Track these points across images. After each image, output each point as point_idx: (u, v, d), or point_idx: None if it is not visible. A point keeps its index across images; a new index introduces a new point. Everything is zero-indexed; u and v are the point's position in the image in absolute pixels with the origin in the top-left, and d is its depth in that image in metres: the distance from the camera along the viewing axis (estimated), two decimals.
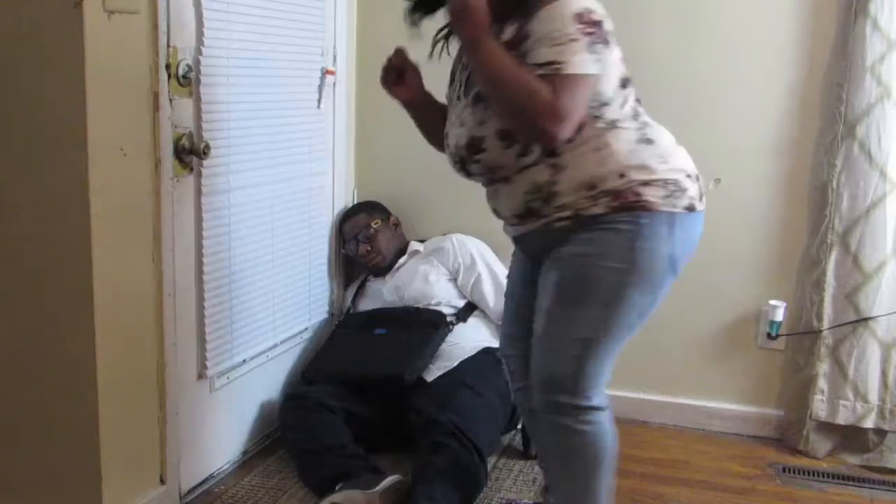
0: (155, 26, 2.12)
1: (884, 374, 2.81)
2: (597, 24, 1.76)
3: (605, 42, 1.78)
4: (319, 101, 2.96)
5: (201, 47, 2.31)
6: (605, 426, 1.95)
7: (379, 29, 3.18)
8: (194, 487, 2.50)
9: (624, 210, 1.83)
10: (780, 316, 2.91)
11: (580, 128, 1.81)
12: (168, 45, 2.18)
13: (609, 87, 1.83)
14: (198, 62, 2.30)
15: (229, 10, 2.42)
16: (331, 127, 3.07)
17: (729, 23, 2.88)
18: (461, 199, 3.20)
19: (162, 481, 2.34)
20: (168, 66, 2.19)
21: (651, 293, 1.88)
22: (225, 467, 2.65)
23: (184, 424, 2.39)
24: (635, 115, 1.89)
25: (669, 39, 2.92)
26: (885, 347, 2.79)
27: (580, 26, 1.73)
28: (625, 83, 1.87)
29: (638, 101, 1.92)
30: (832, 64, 2.75)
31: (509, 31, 1.84)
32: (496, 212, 2.02)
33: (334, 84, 3.03)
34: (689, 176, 1.90)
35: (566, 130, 1.74)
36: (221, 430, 2.63)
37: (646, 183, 1.83)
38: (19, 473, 2.18)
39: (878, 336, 2.78)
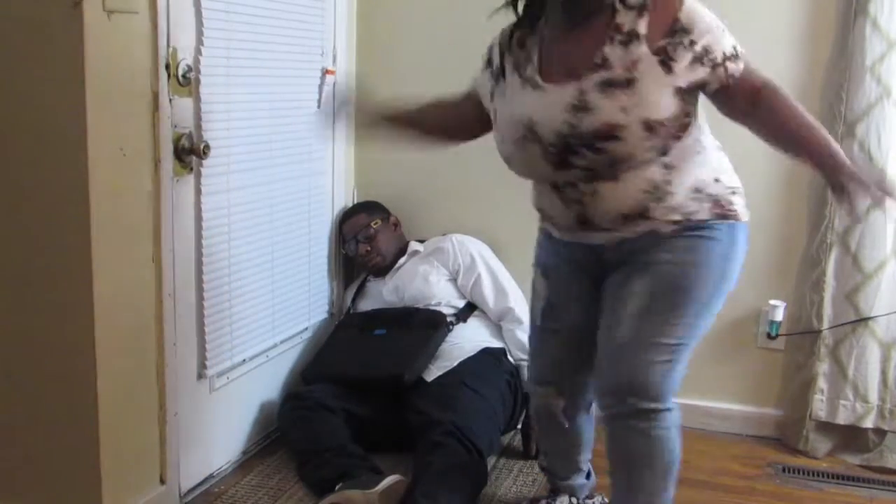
0: (155, 26, 2.12)
1: (883, 373, 2.80)
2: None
3: None
4: (319, 101, 2.96)
5: (201, 47, 2.31)
6: (678, 430, 1.98)
7: (379, 29, 3.19)
8: (194, 487, 2.50)
9: (722, 218, 1.88)
10: (779, 316, 2.91)
11: (687, 126, 1.84)
12: (168, 45, 2.18)
13: None
14: (198, 62, 2.30)
15: (229, 10, 2.42)
16: (331, 127, 3.06)
17: (728, 22, 2.87)
18: (461, 199, 3.22)
19: (162, 481, 2.34)
20: (168, 66, 2.18)
21: (724, 296, 1.96)
22: (225, 467, 2.65)
23: (184, 424, 2.39)
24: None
25: None
26: (884, 347, 2.79)
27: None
28: None
29: None
30: (832, 64, 2.75)
31: (631, 20, 1.80)
32: (582, 218, 1.91)
33: (334, 84, 3.03)
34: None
35: None
36: (221, 430, 2.63)
37: (734, 191, 1.91)
38: (19, 473, 2.18)
39: (878, 336, 2.78)
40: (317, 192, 3.01)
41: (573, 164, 1.84)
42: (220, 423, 2.62)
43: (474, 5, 3.08)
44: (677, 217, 1.86)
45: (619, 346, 1.93)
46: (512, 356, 2.93)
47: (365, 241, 3.06)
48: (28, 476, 2.17)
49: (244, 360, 2.69)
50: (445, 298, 2.99)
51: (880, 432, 2.82)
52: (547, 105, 1.85)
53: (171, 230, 2.26)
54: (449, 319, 2.91)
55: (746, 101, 1.82)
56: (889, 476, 2.74)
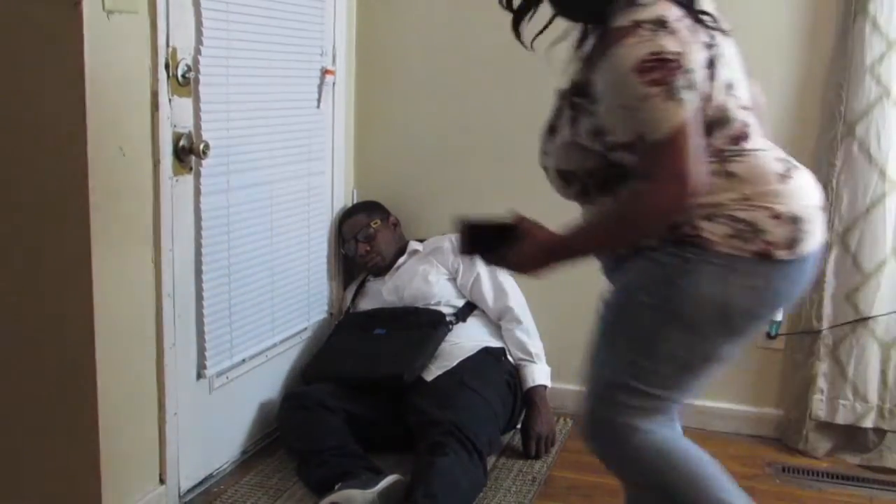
0: (154, 26, 2.12)
1: (883, 373, 2.80)
2: (665, 64, 1.48)
3: (686, 79, 1.50)
4: (319, 101, 2.96)
5: (200, 47, 2.31)
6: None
7: (379, 29, 3.19)
8: (194, 487, 2.50)
9: (674, 243, 1.60)
10: (779, 315, 2.91)
11: None
12: (167, 45, 2.18)
13: None
14: (197, 62, 2.30)
15: (228, 10, 2.42)
16: (330, 127, 3.07)
17: (728, 22, 2.88)
18: (461, 199, 3.20)
19: (161, 481, 2.34)
20: (167, 66, 2.19)
21: (691, 344, 1.65)
22: (224, 467, 2.65)
23: (183, 424, 2.39)
24: (732, 141, 1.62)
25: None
26: (884, 347, 2.79)
27: (644, 80, 1.48)
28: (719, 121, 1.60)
29: (745, 130, 1.64)
30: (832, 64, 2.75)
31: (589, 44, 1.68)
32: None
33: (334, 84, 3.03)
34: (776, 216, 1.59)
35: (690, 188, 1.51)
36: (221, 429, 2.63)
37: (708, 217, 1.58)
38: (19, 473, 2.18)
39: (878, 336, 2.78)
40: (316, 192, 3.01)
41: None
42: (220, 423, 2.62)
43: (474, 5, 3.10)
44: None
45: None
46: (511, 356, 2.93)
47: (364, 240, 3.06)
48: (28, 476, 2.17)
49: (243, 360, 2.69)
50: (445, 298, 2.99)
51: (880, 432, 2.82)
52: None
53: (171, 230, 2.26)
54: (448, 319, 2.91)
55: None
56: (889, 476, 2.74)
